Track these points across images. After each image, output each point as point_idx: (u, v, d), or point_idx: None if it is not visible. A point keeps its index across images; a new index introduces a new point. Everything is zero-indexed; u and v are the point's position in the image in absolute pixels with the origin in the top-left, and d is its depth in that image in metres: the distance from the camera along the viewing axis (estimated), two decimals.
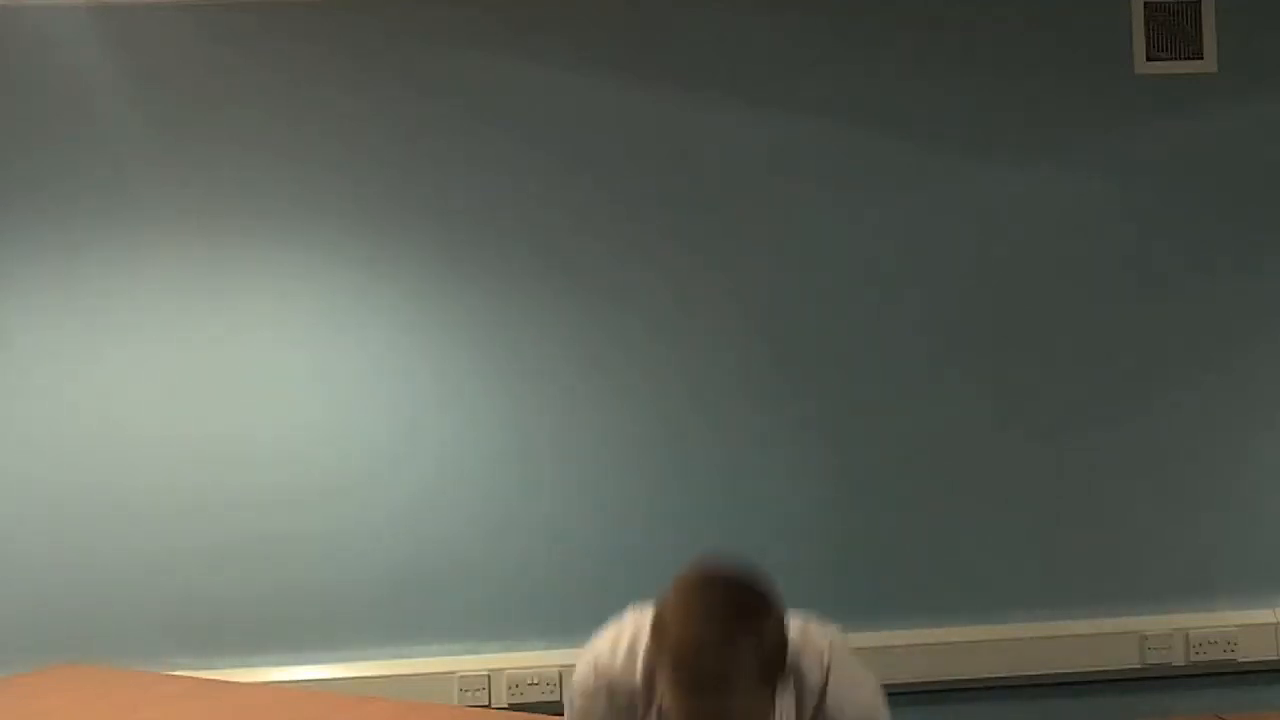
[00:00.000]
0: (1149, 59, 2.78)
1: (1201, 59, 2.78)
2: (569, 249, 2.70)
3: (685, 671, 1.59)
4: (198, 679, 2.00)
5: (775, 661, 1.62)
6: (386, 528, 2.65)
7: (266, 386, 2.65)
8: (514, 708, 2.55)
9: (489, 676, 2.60)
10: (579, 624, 2.41)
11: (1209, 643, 2.69)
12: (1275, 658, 2.71)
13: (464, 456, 2.68)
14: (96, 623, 2.57)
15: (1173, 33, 2.78)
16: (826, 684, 1.69)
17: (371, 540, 2.64)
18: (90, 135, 2.65)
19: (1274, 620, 2.71)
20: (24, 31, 2.64)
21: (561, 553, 2.65)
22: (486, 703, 2.59)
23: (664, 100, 2.72)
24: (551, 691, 2.57)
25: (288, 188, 2.67)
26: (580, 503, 2.67)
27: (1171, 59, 2.78)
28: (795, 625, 1.69)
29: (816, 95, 2.74)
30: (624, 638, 1.78)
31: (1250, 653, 2.70)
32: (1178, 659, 2.70)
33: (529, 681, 2.58)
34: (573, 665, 2.58)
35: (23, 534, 2.60)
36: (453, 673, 2.60)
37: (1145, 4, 2.78)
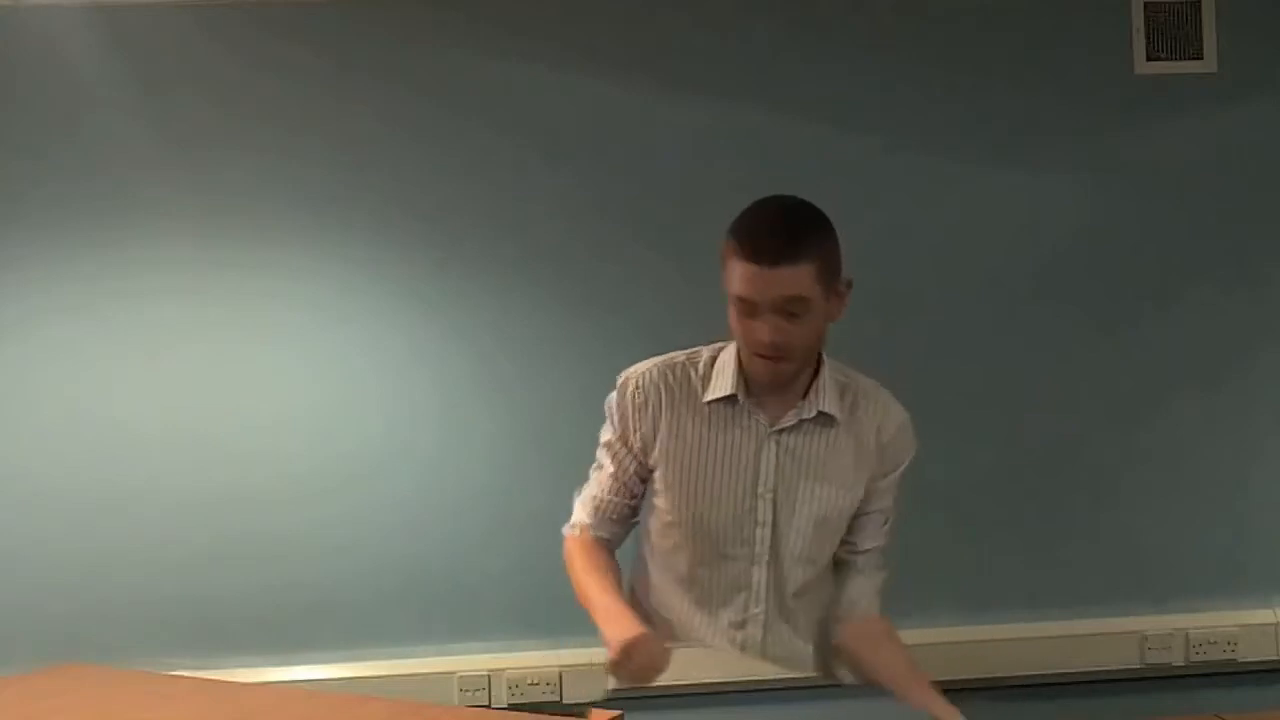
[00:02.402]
0: (1149, 59, 2.78)
1: (1201, 59, 2.78)
2: (564, 249, 2.70)
3: (757, 239, 1.79)
4: (198, 679, 1.99)
5: (831, 264, 1.84)
6: (387, 527, 2.65)
7: (266, 386, 2.66)
8: (514, 708, 2.55)
9: (489, 677, 2.60)
10: (580, 624, 2.42)
11: (1209, 643, 2.69)
12: (1275, 658, 2.71)
13: (463, 455, 2.68)
14: (96, 623, 2.57)
15: (1173, 33, 2.78)
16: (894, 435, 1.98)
17: (372, 540, 2.65)
18: (89, 135, 2.65)
19: (1274, 620, 2.72)
20: (24, 32, 2.64)
21: (562, 552, 2.65)
22: (487, 703, 2.59)
23: (660, 102, 2.72)
24: (552, 692, 2.57)
25: (285, 187, 2.67)
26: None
27: (1171, 59, 2.78)
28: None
29: (810, 95, 2.74)
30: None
31: (1250, 653, 2.70)
32: (1178, 659, 2.70)
33: (529, 682, 2.58)
34: (573, 665, 2.62)
35: (22, 534, 2.60)
36: (453, 673, 2.60)
37: (1145, 4, 2.78)
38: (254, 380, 2.66)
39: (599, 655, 2.55)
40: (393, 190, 2.69)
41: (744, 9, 2.74)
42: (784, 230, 1.80)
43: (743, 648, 1.95)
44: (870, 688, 1.93)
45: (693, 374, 1.93)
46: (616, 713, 1.57)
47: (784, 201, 1.86)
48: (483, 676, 2.61)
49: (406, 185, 2.69)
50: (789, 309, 1.79)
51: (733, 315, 1.85)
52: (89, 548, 2.60)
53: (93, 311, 2.64)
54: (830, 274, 1.84)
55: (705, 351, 1.94)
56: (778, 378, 1.87)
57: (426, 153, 2.70)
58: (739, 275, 1.80)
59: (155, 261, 2.65)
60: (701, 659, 1.94)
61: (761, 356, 1.83)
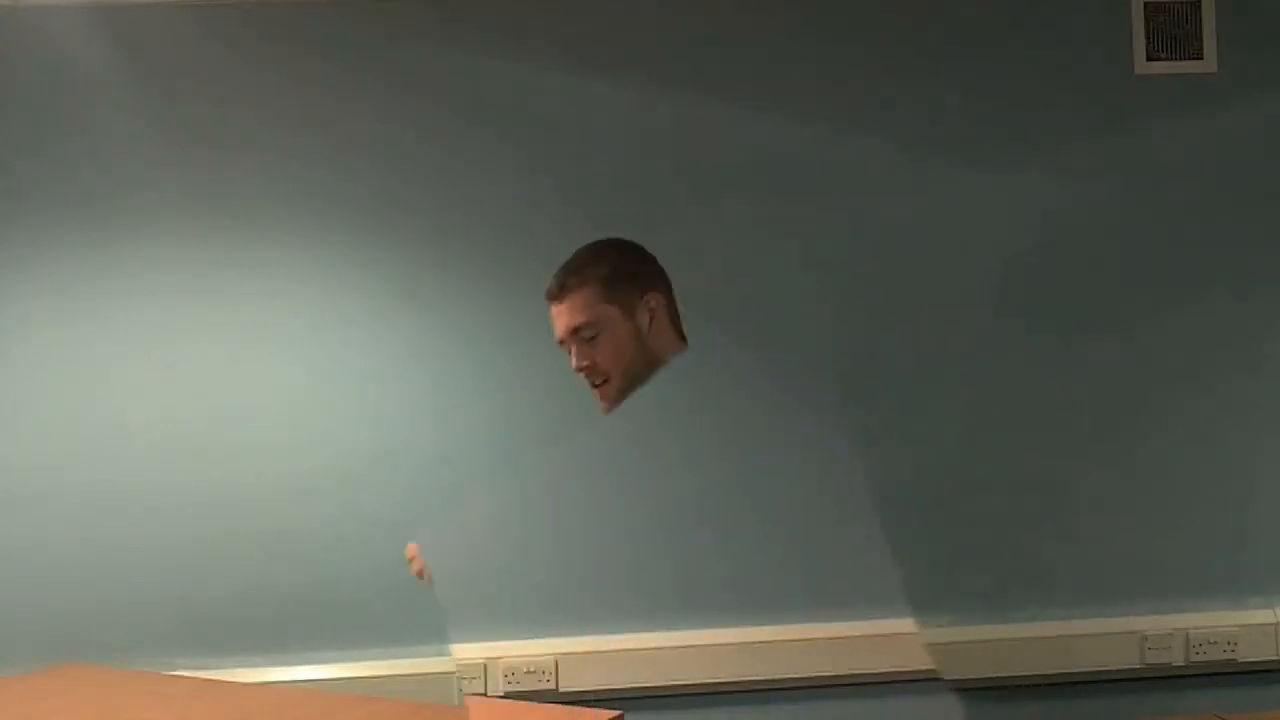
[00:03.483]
0: (1149, 59, 2.78)
1: (1201, 59, 2.78)
2: (565, 250, 2.69)
3: (550, 281, 2.01)
4: (198, 679, 1.99)
5: (618, 283, 1.99)
6: (387, 526, 2.65)
7: (266, 386, 2.66)
8: (510, 695, 2.55)
9: (485, 665, 2.60)
10: (575, 613, 2.42)
11: (1209, 643, 2.69)
12: (1275, 658, 2.71)
13: (462, 454, 2.68)
14: (97, 623, 2.57)
15: (1173, 33, 2.78)
16: None
17: (372, 539, 2.64)
18: (89, 135, 2.65)
19: (1274, 620, 2.72)
20: (24, 32, 2.64)
21: (560, 544, 2.65)
22: (483, 691, 2.58)
23: (662, 102, 2.72)
24: (548, 680, 2.58)
25: (285, 187, 2.67)
26: (581, 496, 2.67)
27: (1171, 59, 2.78)
28: None
29: (810, 96, 2.74)
30: None
31: (1250, 653, 2.70)
32: (1178, 659, 2.70)
33: (525, 670, 2.58)
34: (570, 653, 2.64)
35: (22, 534, 2.60)
36: (449, 661, 2.60)
37: (1145, 4, 2.78)
38: (254, 380, 2.66)
39: (596, 645, 2.57)
40: (393, 190, 2.69)
41: (745, 9, 2.74)
42: (563, 268, 2.00)
43: None
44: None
45: None
46: (616, 713, 1.57)
47: (589, 244, 2.04)
48: (478, 665, 2.60)
49: (407, 185, 2.69)
50: (582, 335, 1.97)
51: None
52: (89, 548, 2.60)
53: (93, 312, 2.64)
54: (622, 291, 1.98)
55: None
56: (611, 401, 1.99)
57: (427, 153, 2.70)
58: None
59: (155, 261, 2.65)
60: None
61: (593, 388, 2.00)
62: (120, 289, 2.65)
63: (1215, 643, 2.69)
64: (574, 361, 1.98)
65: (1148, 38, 2.78)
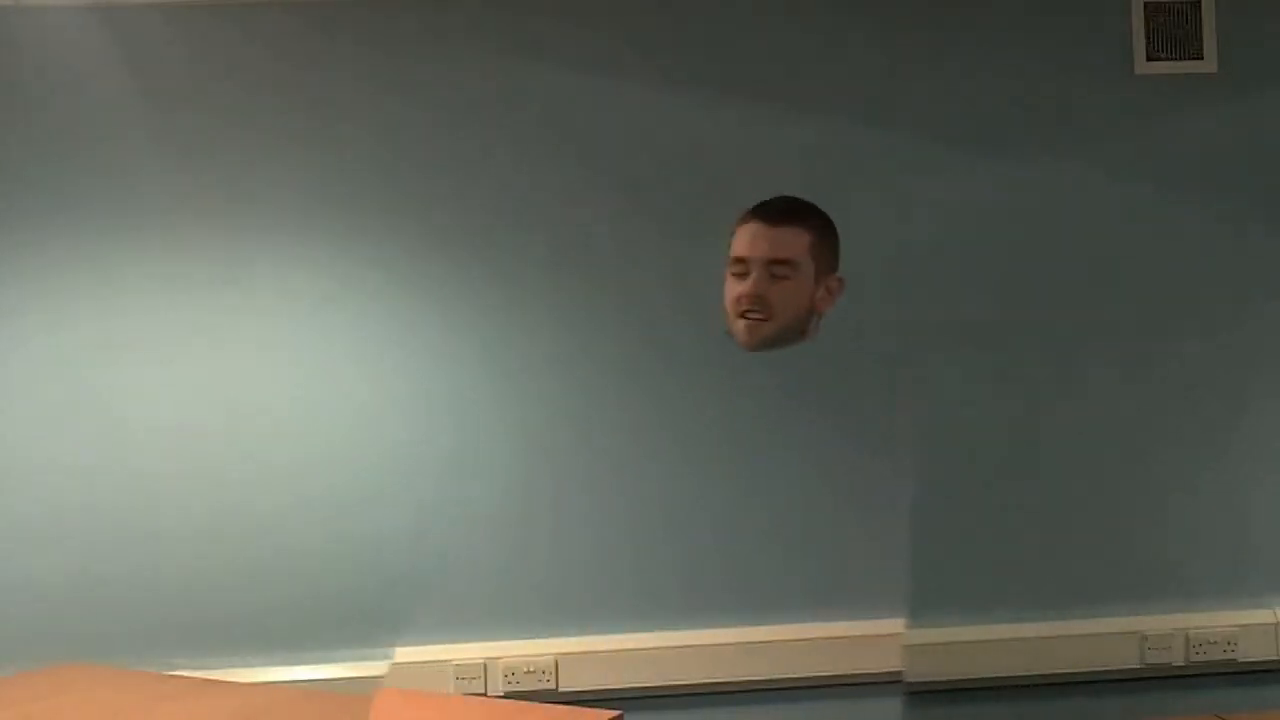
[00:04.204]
0: (1149, 59, 2.78)
1: (1201, 59, 2.78)
2: (579, 249, 2.69)
3: (764, 205, 2.06)
4: (198, 679, 2.00)
5: (827, 247, 2.09)
6: (386, 525, 2.65)
7: (268, 386, 2.66)
8: (510, 695, 2.55)
9: (485, 665, 2.60)
10: (575, 613, 2.42)
11: (1209, 643, 2.69)
12: (1275, 658, 2.71)
13: (461, 453, 2.68)
14: (97, 623, 2.57)
15: (1173, 33, 2.78)
16: None
17: (371, 537, 2.65)
18: (89, 135, 2.65)
19: (1274, 620, 2.72)
20: (24, 32, 2.64)
21: (560, 544, 2.66)
22: (483, 691, 2.58)
23: (667, 101, 2.72)
24: (548, 680, 2.58)
25: (289, 188, 2.67)
26: (581, 496, 2.67)
27: (1171, 59, 2.78)
28: None
29: (809, 96, 2.73)
30: None
31: (1250, 653, 2.70)
32: (1178, 659, 2.70)
33: (525, 670, 2.58)
34: (570, 653, 2.64)
35: (23, 534, 2.60)
36: (448, 661, 2.60)
37: (1145, 4, 2.78)
38: (256, 380, 2.65)
39: (596, 645, 2.57)
40: (403, 192, 2.68)
41: (746, 9, 2.74)
42: (788, 200, 2.05)
43: None
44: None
45: None
46: (616, 713, 1.57)
47: (798, 198, 2.11)
48: (479, 665, 2.60)
49: (418, 186, 2.68)
50: (777, 271, 2.01)
51: (726, 290, 2.05)
52: (89, 548, 2.59)
53: (93, 315, 2.64)
54: (825, 255, 2.06)
55: None
56: (756, 339, 2.03)
57: (439, 154, 2.69)
58: (740, 237, 2.04)
59: (158, 263, 2.65)
60: None
61: (743, 316, 2.02)
62: (118, 294, 2.64)
63: (1215, 643, 2.70)
64: (749, 286, 2.00)
65: (1148, 38, 2.78)
